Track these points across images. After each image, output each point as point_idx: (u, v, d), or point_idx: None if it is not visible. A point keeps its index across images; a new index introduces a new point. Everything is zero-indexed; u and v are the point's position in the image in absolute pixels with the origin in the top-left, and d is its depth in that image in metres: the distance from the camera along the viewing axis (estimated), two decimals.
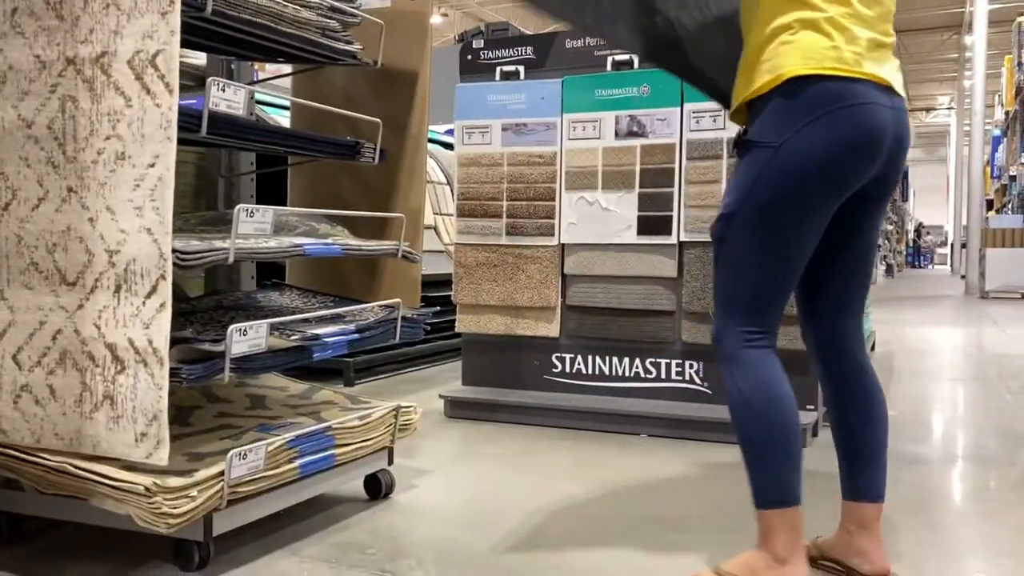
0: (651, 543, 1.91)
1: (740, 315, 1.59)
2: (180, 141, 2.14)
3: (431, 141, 5.85)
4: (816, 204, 1.53)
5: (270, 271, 3.26)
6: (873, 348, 5.52)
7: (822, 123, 1.49)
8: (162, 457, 1.56)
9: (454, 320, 3.46)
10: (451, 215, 5.16)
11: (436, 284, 4.35)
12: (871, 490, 1.67)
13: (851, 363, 1.71)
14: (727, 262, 1.60)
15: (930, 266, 30.91)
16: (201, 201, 2.54)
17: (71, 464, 1.62)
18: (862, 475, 1.67)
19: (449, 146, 5.82)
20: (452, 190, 4.74)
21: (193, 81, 2.59)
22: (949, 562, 1.82)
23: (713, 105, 3.01)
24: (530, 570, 1.75)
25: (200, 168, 2.52)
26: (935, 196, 38.01)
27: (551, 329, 3.29)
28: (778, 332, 1.63)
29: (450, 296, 3.46)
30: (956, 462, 2.71)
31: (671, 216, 3.08)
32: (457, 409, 3.33)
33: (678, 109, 3.06)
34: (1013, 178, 15.03)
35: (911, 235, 30.23)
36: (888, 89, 1.56)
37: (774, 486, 1.53)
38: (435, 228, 5.11)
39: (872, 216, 1.67)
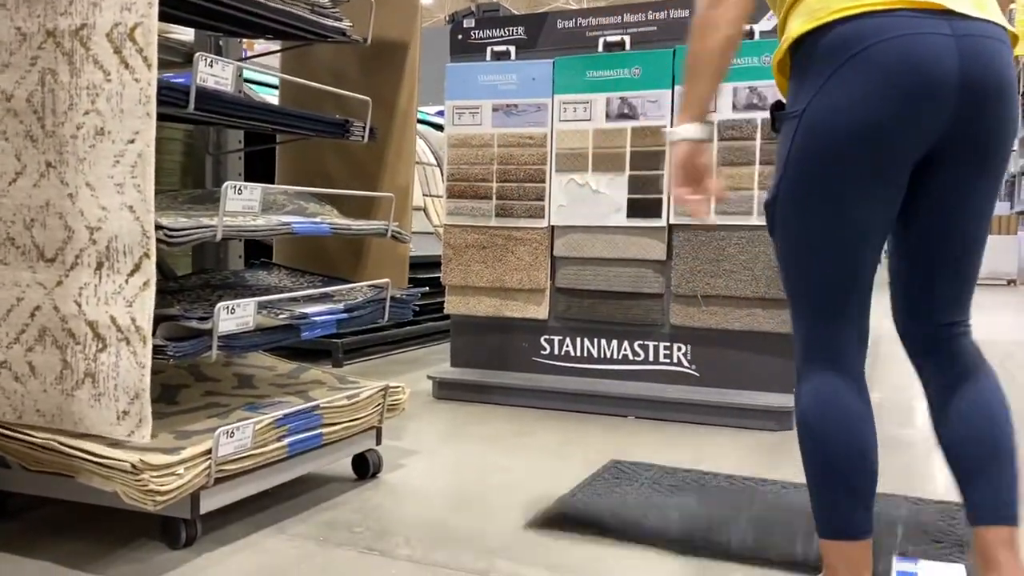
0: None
1: (804, 319, 1.38)
2: (168, 118, 2.12)
3: (421, 122, 5.82)
4: (859, 173, 1.26)
5: (258, 251, 3.24)
6: None
7: (843, 73, 1.23)
8: (144, 435, 1.55)
9: (443, 302, 3.46)
10: (441, 196, 5.14)
11: (426, 266, 4.34)
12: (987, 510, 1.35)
13: (960, 364, 1.41)
14: (780, 257, 1.39)
15: None
16: (188, 179, 2.52)
17: (57, 441, 1.61)
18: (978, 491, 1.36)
19: (439, 127, 5.79)
20: (442, 172, 4.71)
21: (181, 58, 2.56)
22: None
23: None
24: (517, 548, 1.76)
25: (188, 146, 2.49)
26: None
27: (540, 311, 3.29)
28: (856, 340, 1.38)
29: (439, 278, 3.45)
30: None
31: (661, 199, 3.08)
32: (445, 390, 3.33)
33: (669, 91, 3.05)
34: None
35: None
36: (947, 13, 1.22)
37: (831, 517, 1.35)
38: (424, 210, 5.09)
39: (963, 187, 1.30)
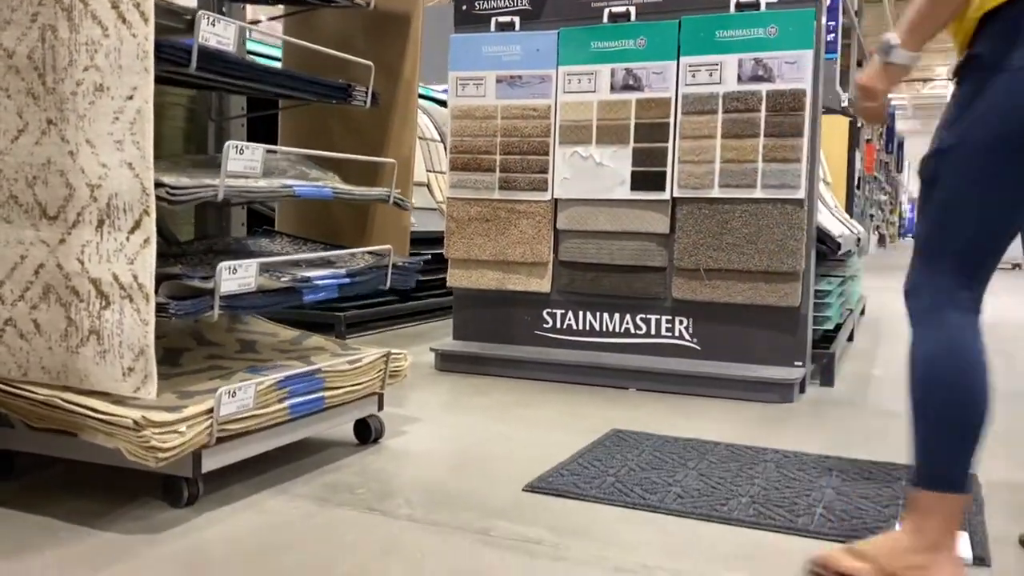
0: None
1: (945, 269, 1.37)
2: (170, 81, 2.11)
3: (425, 98, 5.80)
4: None
5: (260, 221, 3.24)
6: (863, 313, 5.54)
7: None
8: (150, 391, 1.56)
9: (446, 277, 3.46)
10: (444, 173, 5.13)
11: (429, 241, 4.33)
12: None
13: None
14: (938, 206, 1.37)
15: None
16: (191, 146, 2.52)
17: (60, 398, 1.62)
18: None
19: (443, 103, 5.77)
20: (445, 148, 4.70)
21: (184, 25, 2.55)
22: None
23: (710, 59, 2.98)
24: (517, 510, 1.77)
25: (190, 112, 2.49)
26: None
27: (543, 284, 3.29)
28: (982, 296, 1.41)
29: (442, 254, 3.45)
30: None
31: (665, 172, 3.07)
32: (448, 362, 3.34)
33: (674, 63, 3.04)
34: None
35: (905, 205, 30.19)
36: None
37: (943, 466, 1.34)
38: (428, 185, 5.08)
39: None
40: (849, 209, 6.14)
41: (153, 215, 1.53)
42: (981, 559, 1.55)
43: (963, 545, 1.59)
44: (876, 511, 1.79)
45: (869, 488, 1.95)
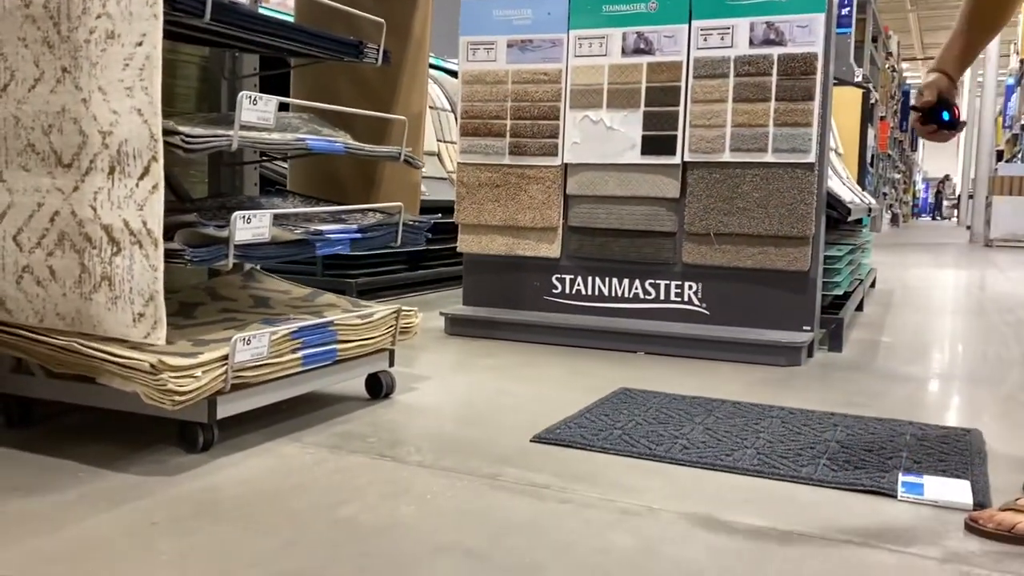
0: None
1: None
2: (185, 38, 2.13)
3: (435, 67, 5.79)
4: None
5: (271, 185, 3.27)
6: (873, 285, 5.54)
7: None
8: (159, 336, 1.59)
9: (456, 245, 3.48)
10: (455, 143, 5.13)
11: (439, 210, 4.34)
12: None
13: None
14: None
15: (937, 218, 30.62)
16: (204, 105, 2.54)
17: (79, 343, 1.65)
18: None
19: (454, 73, 5.76)
20: (456, 118, 4.70)
21: None
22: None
23: (722, 22, 2.98)
24: (525, 457, 1.80)
25: (203, 71, 2.51)
26: (946, 148, 37.60)
27: (552, 250, 3.31)
28: None
29: (452, 222, 3.47)
30: (949, 380, 2.75)
31: (675, 136, 3.07)
32: (457, 327, 3.37)
33: (686, 26, 3.03)
34: None
35: (919, 185, 29.90)
36: None
37: None
38: (438, 155, 5.09)
39: None
40: (861, 184, 6.11)
41: (161, 161, 1.56)
42: (981, 504, 1.57)
43: (964, 491, 1.62)
44: (879, 462, 1.81)
45: (873, 442, 1.97)
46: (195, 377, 1.64)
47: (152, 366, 1.59)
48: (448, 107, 5.33)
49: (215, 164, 2.53)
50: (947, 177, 31.63)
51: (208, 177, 2.55)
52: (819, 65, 2.89)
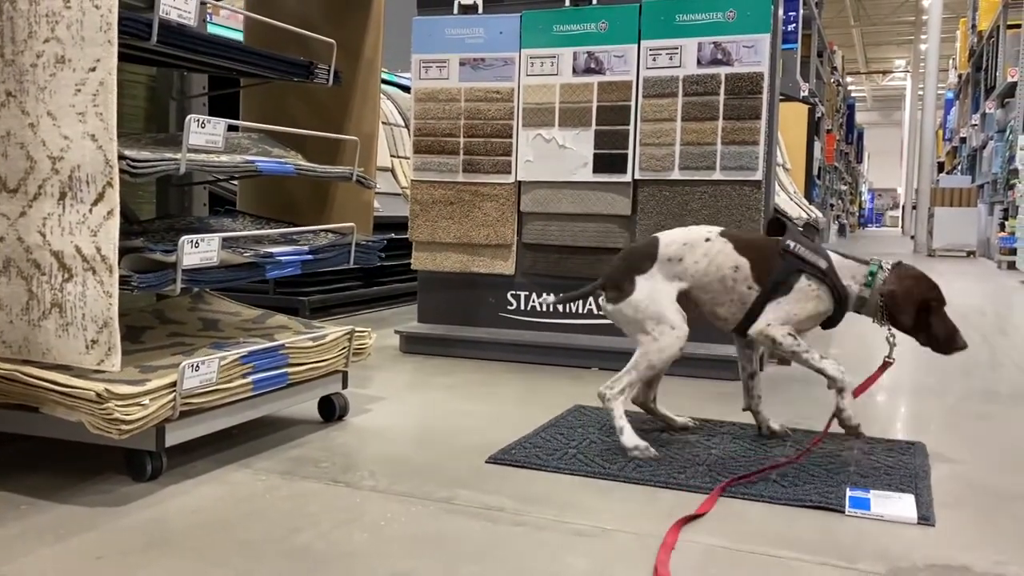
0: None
1: None
2: (132, 59, 2.10)
3: (388, 83, 5.78)
4: None
5: (221, 204, 3.23)
6: None
7: None
8: (114, 363, 1.56)
9: (410, 263, 3.47)
10: (408, 158, 5.13)
11: (393, 226, 4.34)
12: None
13: None
14: None
15: (877, 226, 31.39)
16: (152, 125, 2.50)
17: (21, 372, 1.61)
18: None
19: (407, 89, 5.75)
20: (409, 133, 4.70)
21: (143, 2, 2.53)
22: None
23: (670, 42, 3.03)
24: (480, 480, 1.80)
25: (151, 90, 2.47)
26: (890, 159, 38.65)
27: (507, 267, 3.32)
28: None
29: (407, 239, 3.46)
30: (895, 393, 2.82)
31: (626, 154, 3.11)
32: (412, 344, 3.36)
33: (635, 46, 3.08)
34: (964, 140, 15.33)
35: (865, 195, 30.66)
36: None
37: None
38: (392, 170, 5.08)
39: None
40: (809, 197, 6.25)
41: (117, 187, 1.53)
42: (925, 518, 1.61)
43: (909, 506, 1.66)
44: (827, 477, 1.85)
45: (821, 457, 2.01)
46: (142, 405, 1.61)
47: (98, 395, 1.56)
48: (401, 122, 5.32)
49: (163, 184, 2.49)
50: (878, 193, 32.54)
51: (156, 198, 2.51)
52: (765, 84, 2.95)
